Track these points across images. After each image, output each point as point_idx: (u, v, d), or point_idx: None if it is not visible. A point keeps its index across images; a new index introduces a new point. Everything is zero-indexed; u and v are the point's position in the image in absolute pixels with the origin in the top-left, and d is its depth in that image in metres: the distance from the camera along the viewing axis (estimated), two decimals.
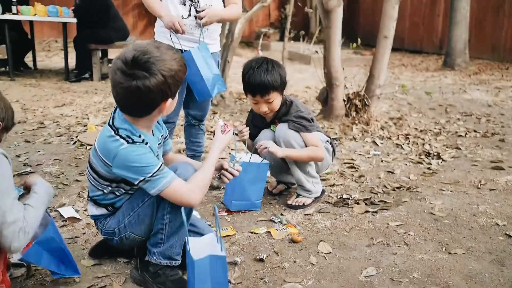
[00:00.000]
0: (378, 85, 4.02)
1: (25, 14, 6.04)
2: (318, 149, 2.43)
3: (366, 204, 2.54)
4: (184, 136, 2.83)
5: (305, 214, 2.41)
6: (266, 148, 2.31)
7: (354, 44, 3.97)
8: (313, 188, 2.53)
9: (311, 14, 10.91)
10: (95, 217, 1.80)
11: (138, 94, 1.50)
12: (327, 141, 2.59)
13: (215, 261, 1.45)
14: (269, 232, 2.21)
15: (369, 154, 3.42)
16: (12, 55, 6.14)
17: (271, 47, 10.22)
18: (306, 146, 2.42)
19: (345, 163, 3.22)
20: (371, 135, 3.84)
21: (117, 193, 1.71)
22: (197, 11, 2.39)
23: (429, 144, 3.65)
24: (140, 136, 1.61)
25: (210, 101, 2.71)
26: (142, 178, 1.55)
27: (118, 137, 1.57)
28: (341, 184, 2.84)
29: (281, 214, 2.39)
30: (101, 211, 1.76)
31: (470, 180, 2.93)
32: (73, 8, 6.09)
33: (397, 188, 2.77)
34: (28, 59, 7.00)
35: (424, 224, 2.30)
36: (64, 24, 6.23)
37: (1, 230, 1.39)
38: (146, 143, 1.61)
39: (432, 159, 3.33)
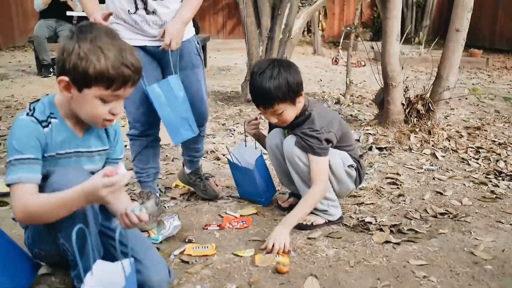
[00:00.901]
0: (446, 87, 3.38)
1: None
2: (318, 191, 1.99)
3: (392, 231, 2.04)
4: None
5: (308, 238, 1.99)
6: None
7: (417, 39, 3.38)
8: (329, 209, 2.10)
9: (406, 13, 10.44)
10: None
11: (61, 47, 1.29)
12: (351, 165, 2.13)
13: None
14: (254, 256, 1.84)
15: (421, 168, 2.85)
16: None
17: (358, 47, 9.63)
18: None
19: (386, 177, 2.70)
20: (432, 146, 3.23)
21: None
22: (145, 10, 1.99)
23: (505, 161, 2.96)
24: (50, 117, 1.34)
25: (206, 105, 2.30)
26: (8, 161, 1.29)
27: (28, 107, 1.36)
28: (372, 204, 2.35)
29: None
30: None
31: None
32: None
33: (441, 214, 2.22)
34: None
35: (456, 267, 1.76)
36: None
37: None
38: (45, 126, 1.33)
39: (502, 180, 2.67)
